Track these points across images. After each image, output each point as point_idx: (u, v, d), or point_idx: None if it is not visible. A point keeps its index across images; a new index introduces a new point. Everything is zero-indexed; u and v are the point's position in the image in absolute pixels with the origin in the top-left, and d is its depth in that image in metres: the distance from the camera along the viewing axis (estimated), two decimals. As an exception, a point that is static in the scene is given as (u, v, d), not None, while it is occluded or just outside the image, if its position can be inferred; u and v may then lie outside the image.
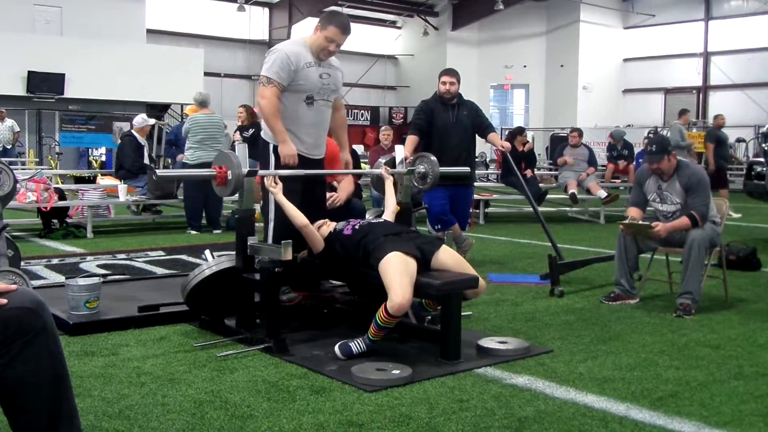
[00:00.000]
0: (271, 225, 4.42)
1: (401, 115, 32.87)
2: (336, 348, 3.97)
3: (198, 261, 7.26)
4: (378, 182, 5.11)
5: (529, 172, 11.45)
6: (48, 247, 8.26)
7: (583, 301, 5.68)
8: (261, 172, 4.38)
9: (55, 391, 2.35)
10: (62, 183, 13.69)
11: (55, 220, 9.00)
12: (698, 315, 5.20)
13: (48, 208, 8.68)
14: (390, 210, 4.79)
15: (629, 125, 28.98)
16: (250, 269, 4.31)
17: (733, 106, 29.97)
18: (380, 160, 5.90)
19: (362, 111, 29.85)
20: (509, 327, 4.85)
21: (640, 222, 5.51)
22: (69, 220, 9.17)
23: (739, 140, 25.41)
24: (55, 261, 7.15)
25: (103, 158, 20.53)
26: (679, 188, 5.45)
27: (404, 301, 3.82)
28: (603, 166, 13.83)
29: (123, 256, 7.53)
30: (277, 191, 4.32)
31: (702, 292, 5.37)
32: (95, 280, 4.83)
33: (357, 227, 4.29)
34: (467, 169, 6.12)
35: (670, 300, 5.57)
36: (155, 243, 8.56)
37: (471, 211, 8.07)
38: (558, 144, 26.25)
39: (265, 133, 4.65)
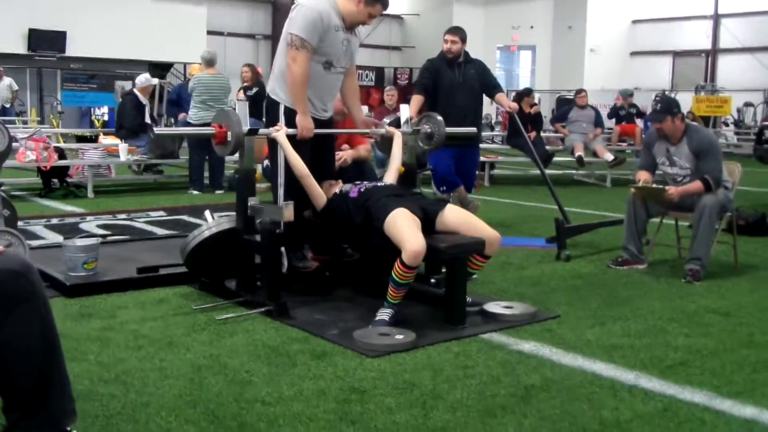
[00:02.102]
0: (281, 190, 4.26)
1: (406, 76, 32.56)
2: (370, 326, 3.80)
3: (199, 222, 7.17)
4: (383, 142, 4.97)
5: (534, 134, 11.29)
6: (48, 206, 8.16)
7: (590, 266, 5.58)
8: (263, 130, 4.25)
9: (45, 357, 2.27)
10: (63, 142, 13.59)
11: (55, 180, 8.89)
12: (707, 281, 5.09)
13: (48, 168, 8.57)
14: (394, 168, 4.66)
15: (636, 88, 28.66)
16: (250, 230, 4.21)
17: (742, 70, 29.62)
18: (384, 120, 5.78)
19: (367, 72, 29.58)
20: (515, 291, 4.76)
21: (653, 185, 5.39)
22: (69, 180, 9.06)
23: (747, 104, 25.16)
24: (54, 221, 7.06)
25: (106, 117, 20.34)
26: (688, 152, 5.32)
27: (419, 247, 3.70)
28: (609, 129, 13.66)
29: (123, 216, 7.43)
30: (280, 134, 4.17)
31: (711, 258, 5.27)
32: (93, 240, 4.75)
33: (362, 190, 4.18)
34: (474, 129, 5.98)
35: (679, 265, 5.46)
36: (156, 203, 8.46)
37: (477, 172, 7.94)
38: (564, 106, 26.10)
39: (275, 93, 4.42)
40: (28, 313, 2.23)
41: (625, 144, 12.95)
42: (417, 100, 6.61)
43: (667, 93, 25.38)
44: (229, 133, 4.06)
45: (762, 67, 28.99)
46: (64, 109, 19.37)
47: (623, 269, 5.45)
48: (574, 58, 31.95)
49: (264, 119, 4.61)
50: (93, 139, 15.30)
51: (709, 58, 31.58)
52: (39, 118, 18.53)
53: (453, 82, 6.60)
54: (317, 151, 4.46)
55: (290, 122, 4.30)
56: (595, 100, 22.50)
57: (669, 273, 5.36)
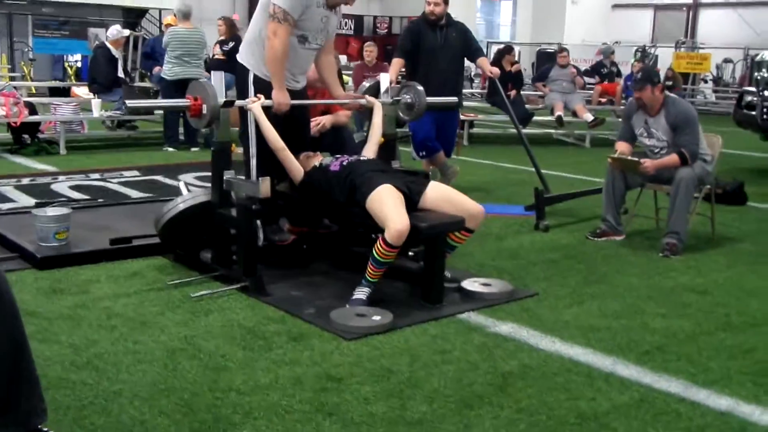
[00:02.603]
0: (254, 161, 4.15)
1: (386, 25, 32.11)
2: (347, 306, 3.76)
3: (174, 183, 7.07)
4: (363, 112, 4.88)
5: (514, 93, 11.20)
6: (19, 164, 8.00)
7: (568, 237, 5.57)
8: (238, 102, 4.13)
9: (14, 358, 2.20)
10: (36, 92, 13.29)
11: (26, 136, 8.69)
12: (684, 255, 5.10)
13: (18, 124, 8.37)
14: (374, 141, 4.58)
15: (617, 42, 28.50)
16: (225, 204, 4.12)
17: (723, 25, 29.50)
18: (364, 83, 5.66)
19: (346, 20, 29.07)
20: (492, 265, 4.73)
21: (629, 157, 5.36)
22: (41, 136, 8.87)
23: (726, 60, 25.10)
24: (25, 181, 6.92)
25: (79, 65, 19.90)
26: (665, 125, 5.29)
27: (403, 226, 3.64)
28: (591, 85, 13.57)
29: (96, 176, 7.30)
30: (256, 106, 4.07)
31: (688, 231, 5.27)
32: (64, 210, 4.64)
33: (345, 163, 4.09)
34: (455, 99, 5.89)
35: (657, 237, 5.46)
36: (130, 161, 8.31)
37: (457, 131, 7.85)
38: (545, 61, 25.91)
39: (246, 59, 4.29)
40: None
41: (605, 100, 12.87)
42: (397, 63, 6.51)
43: (647, 47, 25.26)
44: (204, 106, 3.94)
45: (743, 22, 28.89)
46: (36, 56, 18.89)
47: (601, 240, 5.44)
48: (556, 9, 31.65)
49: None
50: (66, 91, 15.05)
51: (691, 12, 31.42)
52: (9, 66, 18.05)
53: (434, 45, 6.48)
54: (291, 121, 4.35)
55: (259, 91, 4.19)
56: (576, 54, 22.36)
57: (647, 246, 5.36)
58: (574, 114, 11.61)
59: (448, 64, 6.52)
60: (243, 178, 4.14)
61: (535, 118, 11.84)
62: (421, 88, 4.87)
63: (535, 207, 5.82)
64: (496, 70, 6.64)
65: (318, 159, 4.30)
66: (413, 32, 6.54)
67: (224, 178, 4.06)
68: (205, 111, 3.95)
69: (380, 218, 3.72)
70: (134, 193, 6.54)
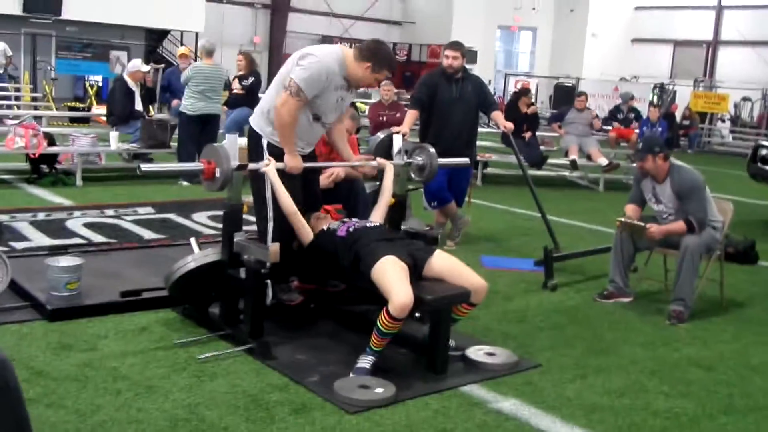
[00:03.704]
0: (270, 225, 4.20)
1: (405, 52, 32.34)
2: (351, 374, 3.78)
3: (187, 223, 7.13)
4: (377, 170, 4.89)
5: (529, 134, 11.25)
6: (35, 196, 8.08)
7: (576, 297, 5.58)
8: (251, 165, 4.18)
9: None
10: (54, 122, 13.42)
11: (44, 166, 8.80)
12: (692, 322, 5.10)
13: (36, 155, 8.48)
14: (383, 203, 4.62)
15: (635, 77, 28.58)
16: (235, 264, 4.17)
17: (742, 63, 29.50)
18: (379, 135, 5.71)
19: (366, 47, 29.22)
20: (498, 329, 4.74)
21: (635, 222, 5.38)
22: (59, 166, 8.97)
23: (744, 99, 25.09)
24: (41, 216, 6.99)
25: (100, 83, 20.10)
26: (671, 193, 5.31)
27: (407, 299, 3.66)
28: (607, 129, 13.58)
29: (111, 212, 7.37)
30: (270, 168, 4.12)
31: (695, 298, 5.27)
32: (76, 260, 4.69)
33: (351, 230, 4.13)
34: (466, 160, 5.92)
35: (664, 300, 5.46)
36: (145, 195, 8.39)
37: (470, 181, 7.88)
38: (562, 95, 25.94)
39: (259, 126, 4.34)
40: (1, 406, 2.20)
41: (627, 142, 12.83)
42: (412, 115, 6.57)
43: (666, 84, 25.27)
44: (217, 170, 4.00)
45: (762, 61, 28.90)
46: (58, 76, 19.12)
47: (609, 303, 5.45)
48: (575, 42, 31.81)
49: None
50: (86, 109, 15.20)
51: (710, 50, 31.44)
52: (31, 85, 18.26)
53: (450, 98, 6.54)
54: (302, 181, 4.41)
55: (273, 156, 4.24)
56: (593, 89, 22.46)
57: (654, 310, 5.36)
58: (589, 158, 11.64)
59: (463, 117, 6.58)
60: (253, 240, 4.19)
61: (550, 160, 11.88)
62: (432, 150, 4.90)
63: (543, 264, 5.83)
64: (509, 125, 6.68)
65: (327, 221, 4.34)
66: (429, 85, 6.61)
67: (234, 240, 4.11)
68: (218, 174, 4.01)
69: (384, 290, 3.75)
70: (147, 234, 6.60)
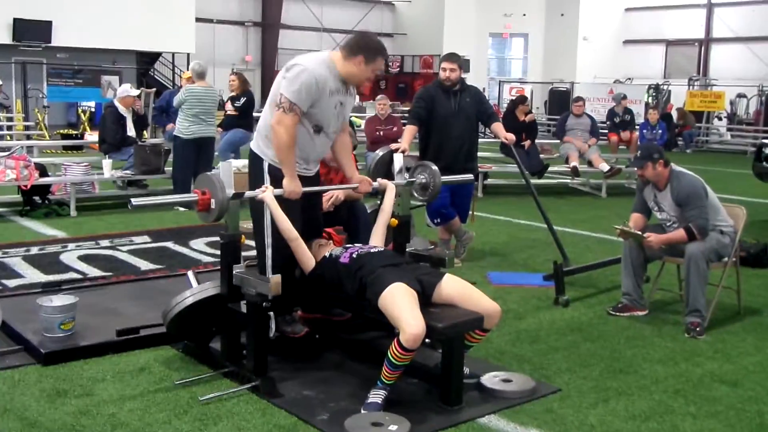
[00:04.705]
0: (269, 251, 4.02)
1: (397, 64, 32.27)
2: (362, 410, 3.58)
3: (184, 251, 6.95)
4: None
5: (528, 143, 11.08)
6: (28, 229, 7.90)
7: (589, 312, 5.39)
8: (248, 193, 4.00)
9: None
10: (48, 150, 13.25)
11: (36, 197, 8.62)
12: (711, 334, 4.92)
13: (28, 187, 8.31)
14: (382, 222, 4.43)
15: (629, 79, 28.50)
16: (235, 298, 3.99)
17: (735, 60, 29.45)
18: (378, 152, 5.54)
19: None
20: (512, 352, 4.55)
21: (634, 231, 5.21)
22: (51, 197, 8.78)
23: (740, 95, 24.99)
24: (34, 250, 6.81)
25: (93, 109, 19.96)
26: (671, 201, 5.15)
27: (419, 329, 3.46)
28: (605, 136, 13.40)
29: (106, 243, 7.19)
30: (267, 195, 3.93)
31: (712, 307, 5.09)
32: (70, 299, 4.50)
33: (355, 256, 3.94)
34: (470, 176, 5.76)
35: (680, 311, 5.29)
36: (141, 223, 8.21)
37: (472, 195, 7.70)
38: (557, 100, 25.82)
39: (259, 148, 4.16)
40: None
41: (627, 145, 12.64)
42: (410, 130, 6.42)
43: (660, 84, 25.15)
44: (212, 201, 3.82)
45: (755, 57, 28.84)
46: (49, 104, 18.98)
47: (623, 316, 5.27)
48: (567, 46, 31.75)
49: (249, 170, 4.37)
50: (79, 137, 15.04)
51: (702, 48, 31.39)
52: (23, 114, 18.11)
53: (448, 112, 6.37)
54: (304, 207, 4.23)
55: (275, 179, 4.07)
56: (588, 93, 22.33)
57: (671, 322, 5.18)
58: (590, 164, 11.48)
59: (463, 130, 6.42)
60: (253, 271, 4.00)
61: (551, 168, 11.72)
62: (435, 168, 4.73)
63: (554, 279, 5.65)
64: (511, 137, 6.50)
65: (330, 248, 4.16)
66: (426, 99, 6.43)
67: (234, 272, 3.92)
68: (213, 205, 3.82)
69: (394, 319, 3.57)
70: (144, 264, 6.42)
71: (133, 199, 3.70)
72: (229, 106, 10.09)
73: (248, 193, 4.01)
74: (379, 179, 4.55)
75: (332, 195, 4.98)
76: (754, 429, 3.59)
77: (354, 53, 4.04)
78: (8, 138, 15.56)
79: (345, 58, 4.05)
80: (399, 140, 6.62)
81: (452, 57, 6.45)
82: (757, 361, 4.50)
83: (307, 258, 4.05)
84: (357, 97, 6.45)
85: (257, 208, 4.03)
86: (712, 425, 3.61)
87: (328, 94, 4.00)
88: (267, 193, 3.94)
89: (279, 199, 3.98)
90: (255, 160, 4.20)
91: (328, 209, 4.95)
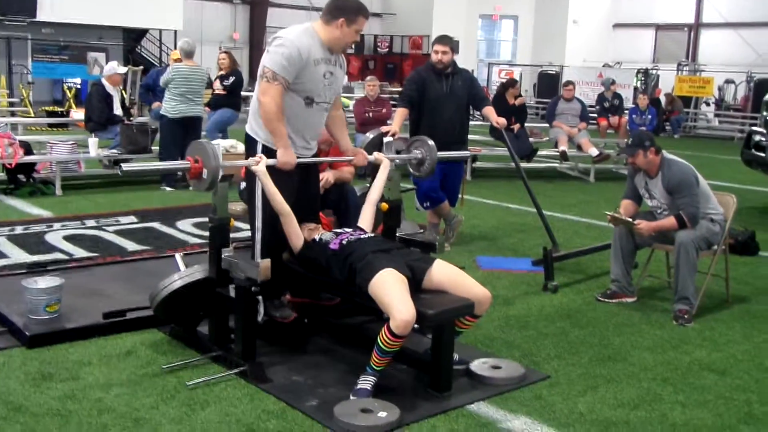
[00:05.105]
0: (259, 235, 3.97)
1: (386, 44, 32.12)
2: (351, 396, 3.56)
3: (171, 232, 6.89)
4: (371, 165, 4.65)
5: (518, 126, 11.04)
6: (13, 208, 7.80)
7: (578, 299, 5.39)
8: (242, 162, 3.94)
9: None
10: (33, 129, 13.09)
11: (21, 176, 8.52)
12: (699, 322, 4.92)
13: (13, 165, 8.20)
14: (374, 198, 4.38)
15: (618, 63, 28.47)
16: (224, 282, 3.94)
17: (724, 45, 29.46)
18: (368, 134, 5.51)
19: (346, 39, 28.93)
20: (501, 338, 4.54)
21: (623, 217, 5.20)
22: (36, 175, 8.68)
23: (728, 81, 25.02)
24: (19, 230, 6.73)
25: (78, 86, 19.74)
26: (662, 188, 5.14)
27: (409, 316, 3.44)
28: (594, 121, 13.39)
29: (92, 223, 7.11)
30: (260, 167, 3.87)
31: (700, 295, 5.10)
32: (56, 281, 4.45)
33: (344, 242, 3.90)
34: (467, 153, 5.73)
35: (669, 298, 5.29)
36: (127, 203, 8.14)
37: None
38: (546, 83, 25.77)
39: (252, 129, 4.11)
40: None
41: (614, 129, 12.63)
42: (401, 113, 6.36)
43: (649, 69, 25.15)
44: (204, 170, 3.76)
45: (744, 43, 28.86)
46: (34, 80, 18.74)
47: (612, 303, 5.27)
48: (557, 29, 31.65)
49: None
50: (65, 114, 14.90)
51: (692, 33, 31.38)
52: (8, 91, 17.89)
53: (440, 95, 6.32)
54: (300, 193, 4.18)
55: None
56: (578, 76, 22.31)
57: (659, 309, 5.18)
58: (579, 148, 11.47)
59: (454, 113, 6.37)
60: (242, 254, 3.96)
61: (540, 152, 11.70)
62: (432, 143, 4.68)
63: (543, 265, 5.64)
64: (502, 121, 6.46)
65: (318, 232, 4.12)
66: (418, 81, 6.38)
67: (222, 256, 3.88)
68: (205, 174, 3.76)
69: (384, 306, 3.54)
70: (130, 245, 6.35)
71: (123, 164, 3.63)
72: (217, 84, 9.99)
73: (241, 162, 3.97)
74: (375, 153, 4.50)
75: (322, 177, 4.95)
76: (742, 418, 3.59)
77: (334, 16, 4.01)
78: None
79: (326, 24, 4.03)
80: (389, 122, 6.59)
81: (444, 39, 6.39)
82: (745, 350, 4.51)
83: (297, 235, 4.01)
84: (346, 77, 6.43)
85: (251, 183, 3.99)
86: (701, 414, 3.61)
87: (313, 63, 3.97)
88: (260, 164, 3.89)
89: (273, 174, 3.91)
90: (250, 142, 4.16)
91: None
